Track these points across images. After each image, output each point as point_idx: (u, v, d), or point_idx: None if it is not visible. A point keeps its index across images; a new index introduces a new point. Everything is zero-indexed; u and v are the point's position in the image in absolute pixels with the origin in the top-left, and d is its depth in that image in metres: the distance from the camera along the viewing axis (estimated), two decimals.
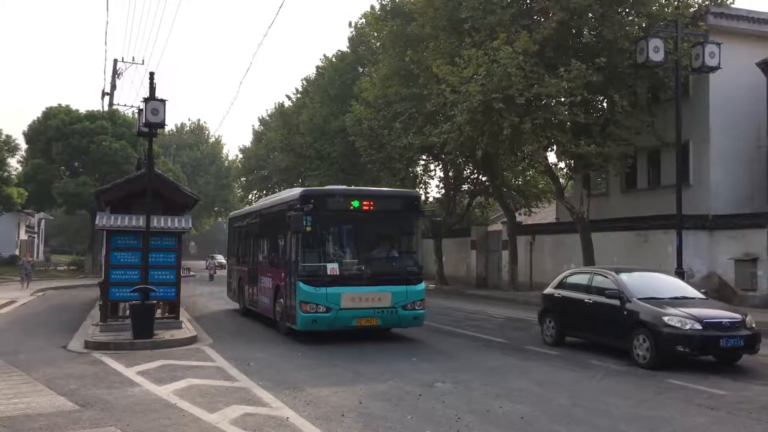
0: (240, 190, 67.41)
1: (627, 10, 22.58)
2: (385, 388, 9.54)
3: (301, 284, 13.44)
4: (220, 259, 53.01)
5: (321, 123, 39.80)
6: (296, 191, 15.03)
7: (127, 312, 14.51)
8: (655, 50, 19.54)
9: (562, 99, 21.11)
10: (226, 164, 79.04)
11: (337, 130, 38.05)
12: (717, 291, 23.11)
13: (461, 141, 22.40)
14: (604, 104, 24.01)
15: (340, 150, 38.10)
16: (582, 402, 8.69)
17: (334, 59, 42.78)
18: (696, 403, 8.69)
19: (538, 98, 20.82)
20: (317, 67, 46.05)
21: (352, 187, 16.60)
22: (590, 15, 22.19)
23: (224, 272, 31.48)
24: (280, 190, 51.12)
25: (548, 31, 21.22)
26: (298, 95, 49.74)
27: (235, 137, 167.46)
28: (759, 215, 22.25)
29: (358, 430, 7.31)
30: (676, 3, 22.25)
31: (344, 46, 61.67)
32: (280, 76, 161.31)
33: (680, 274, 21.31)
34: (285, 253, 14.79)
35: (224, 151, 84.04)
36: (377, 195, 14.92)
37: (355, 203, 13.96)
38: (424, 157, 33.57)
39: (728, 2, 24.76)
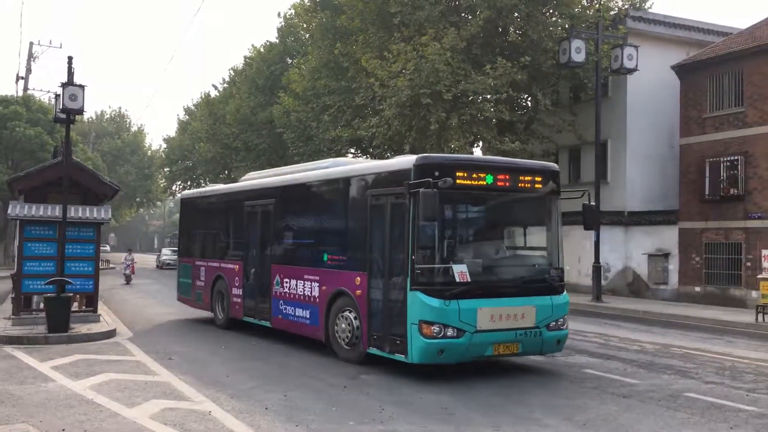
0: (163, 181, 65.68)
1: (551, 11, 23.20)
2: (310, 381, 9.53)
3: (420, 295, 9.22)
4: (166, 255, 48.68)
5: (248, 114, 39.22)
6: (403, 159, 10.55)
7: (41, 305, 13.96)
8: (577, 51, 20.23)
9: (488, 96, 21.51)
10: (149, 154, 76.86)
11: (264, 122, 37.57)
12: (631, 285, 24.14)
13: (389, 135, 22.53)
14: (528, 102, 24.67)
15: (268, 142, 37.66)
16: (500, 391, 8.92)
17: (262, 50, 42.19)
18: (609, 392, 9.05)
19: (465, 95, 21.16)
20: (245, 57, 45.30)
21: (482, 156, 12.01)
22: (516, 14, 22.70)
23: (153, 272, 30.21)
24: (205, 182, 50.18)
25: (475, 28, 21.57)
26: (225, 85, 48.84)
27: (158, 127, 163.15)
28: (671, 212, 23.33)
29: (282, 423, 7.28)
30: (597, 6, 23.02)
31: (273, 36, 60.98)
32: (207, 66, 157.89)
33: (597, 268, 22.18)
34: (365, 249, 10.43)
35: (147, 140, 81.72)
36: (514, 167, 10.40)
37: (488, 178, 9.75)
38: (352, 150, 33.56)
39: (646, 7, 25.80)
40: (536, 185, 10.33)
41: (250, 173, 16.89)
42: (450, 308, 9.18)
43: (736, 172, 21.59)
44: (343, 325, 10.78)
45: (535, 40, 21.85)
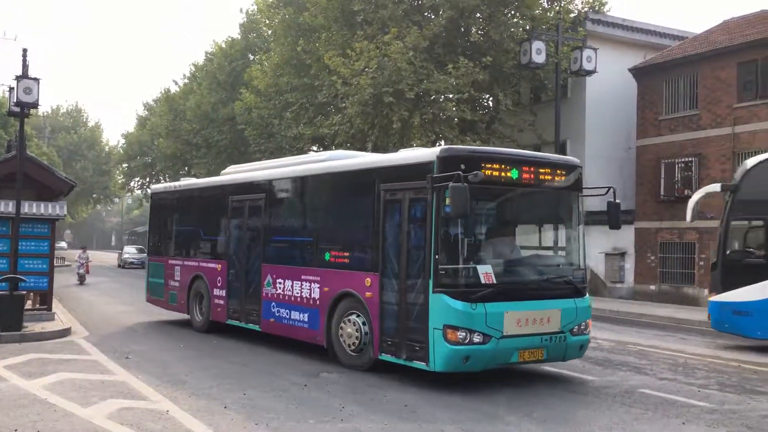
0: (121, 177, 64.52)
1: (512, 12, 23.44)
2: (271, 379, 9.47)
3: (444, 298, 8.59)
4: (130, 253, 46.41)
5: (209, 110, 38.75)
6: (424, 151, 10.12)
7: None
8: (538, 52, 20.47)
9: (450, 95, 21.64)
10: (107, 150, 75.39)
11: (225, 118, 37.16)
12: (589, 283, 24.50)
13: (352, 133, 22.49)
14: (490, 102, 24.87)
15: (229, 138, 37.26)
16: (463, 389, 8.99)
17: (224, 45, 41.74)
18: (568, 389, 9.20)
19: (428, 94, 21.25)
20: (206, 53, 44.76)
21: (505, 149, 11.00)
22: (478, 15, 22.87)
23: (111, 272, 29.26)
24: (164, 178, 49.43)
25: (438, 28, 21.68)
26: (186, 80, 48.21)
27: (116, 122, 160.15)
28: (627, 212, 23.75)
29: (241, 422, 7.22)
30: (557, 8, 23.33)
31: (235, 32, 60.31)
32: (167, 61, 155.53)
33: None
34: (376, 248, 9.72)
35: (104, 136, 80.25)
36: (540, 161, 9.77)
37: (514, 173, 9.19)
38: (314, 148, 33.41)
39: (605, 10, 26.25)
40: (560, 180, 9.78)
41: (232, 167, 15.69)
42: (477, 312, 8.54)
43: (690, 173, 22.15)
44: (349, 330, 10.04)
45: (496, 40, 22.05)
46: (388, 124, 21.11)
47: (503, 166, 9.13)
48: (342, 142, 23.84)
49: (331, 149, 27.55)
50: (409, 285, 9.15)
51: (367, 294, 9.77)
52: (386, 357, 9.50)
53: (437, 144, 24.30)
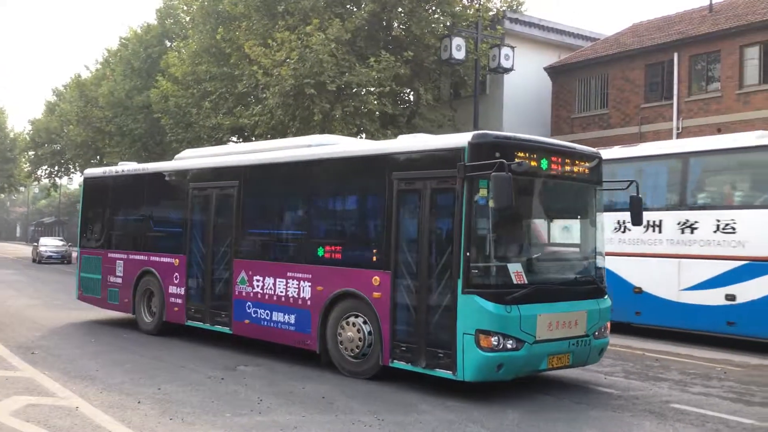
0: (27, 165, 61.57)
1: (434, 8, 23.72)
2: (187, 373, 9.30)
3: (477, 299, 7.81)
4: (48, 245, 41.94)
5: (123, 97, 37.46)
6: (451, 137, 9.34)
7: None
8: (458, 48, 20.83)
9: (372, 89, 21.73)
10: (12, 136, 71.74)
11: (140, 106, 36.01)
12: None
13: (272, 124, 22.25)
14: (411, 97, 25.11)
15: (144, 127, 36.15)
16: (381, 380, 9.06)
17: (139, 30, 40.42)
18: None
19: (349, 86, 21.26)
20: (121, 38, 43.24)
21: (533, 136, 9.59)
22: (400, 9, 23.02)
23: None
24: (75, 167, 47.50)
25: (360, 21, 21.70)
26: (98, 66, 46.42)
27: (22, 108, 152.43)
28: None
29: (155, 417, 7.07)
30: (477, 6, 23.78)
31: (152, 17, 58.53)
32: (78, 46, 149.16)
33: None
34: (387, 243, 8.82)
35: (8, 122, 76.17)
36: (567, 151, 8.98)
37: (544, 163, 8.44)
38: (234, 138, 32.85)
39: (522, 10, 26.94)
40: (585, 173, 9.11)
41: (188, 151, 14.42)
42: (511, 315, 7.78)
43: None
44: (350, 334, 9.12)
45: (418, 35, 22.27)
46: (310, 116, 21.01)
47: (535, 156, 8.27)
48: (262, 133, 23.57)
49: (251, 140, 27.24)
50: (431, 284, 8.28)
51: (375, 294, 8.85)
52: (399, 364, 8.59)
53: (358, 137, 24.38)
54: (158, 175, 13.46)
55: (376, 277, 8.85)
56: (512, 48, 22.20)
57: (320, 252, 9.82)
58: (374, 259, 9.00)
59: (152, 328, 12.69)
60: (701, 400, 8.45)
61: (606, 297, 9.12)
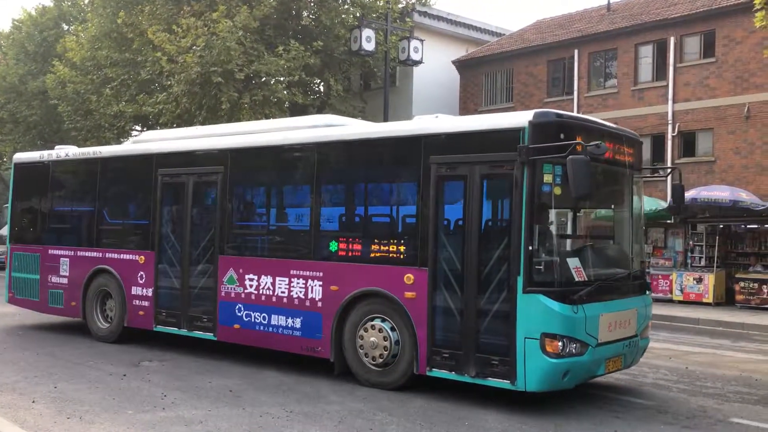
0: None
1: None
2: (85, 371, 8.94)
3: (543, 299, 6.96)
4: None
5: (16, 82, 35.47)
6: (504, 116, 8.02)
7: None
8: (368, 40, 20.90)
9: (281, 78, 21.50)
10: None
11: (36, 92, 34.21)
12: None
13: (177, 113, 21.64)
14: (321, 87, 25.01)
15: (40, 114, 34.37)
16: (290, 372, 9.03)
17: (33, 12, 38.35)
18: None
19: (258, 75, 20.95)
20: (14, 20, 40.91)
21: (589, 117, 8.79)
22: None
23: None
24: None
25: (268, 9, 21.37)
26: None
27: None
28: None
29: (51, 416, 6.76)
30: None
31: None
32: None
33: None
34: (424, 236, 7.82)
35: None
36: (621, 135, 8.12)
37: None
38: (137, 127, 31.76)
39: (431, 3, 27.29)
40: (632, 159, 8.21)
41: (149, 133, 12.97)
42: (578, 316, 6.99)
43: None
44: (373, 339, 8.07)
45: (327, 26, 22.16)
46: (217, 104, 20.57)
47: (595, 138, 7.30)
48: (167, 121, 22.91)
49: (155, 128, 26.41)
50: (481, 282, 7.35)
51: (407, 294, 7.82)
52: (440, 373, 7.62)
53: None
54: (114, 160, 11.71)
55: (409, 274, 7.84)
56: (421, 41, 22.46)
57: (333, 247, 8.66)
58: (405, 254, 8.02)
59: (108, 334, 11.12)
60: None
61: (649, 293, 8.52)
